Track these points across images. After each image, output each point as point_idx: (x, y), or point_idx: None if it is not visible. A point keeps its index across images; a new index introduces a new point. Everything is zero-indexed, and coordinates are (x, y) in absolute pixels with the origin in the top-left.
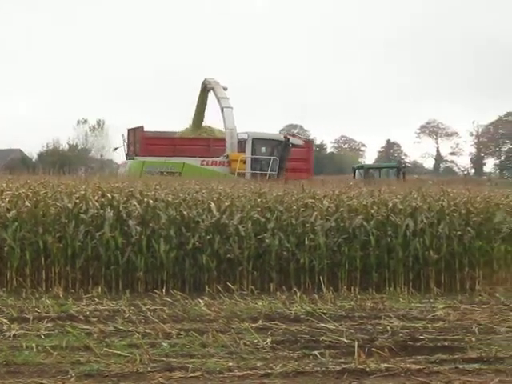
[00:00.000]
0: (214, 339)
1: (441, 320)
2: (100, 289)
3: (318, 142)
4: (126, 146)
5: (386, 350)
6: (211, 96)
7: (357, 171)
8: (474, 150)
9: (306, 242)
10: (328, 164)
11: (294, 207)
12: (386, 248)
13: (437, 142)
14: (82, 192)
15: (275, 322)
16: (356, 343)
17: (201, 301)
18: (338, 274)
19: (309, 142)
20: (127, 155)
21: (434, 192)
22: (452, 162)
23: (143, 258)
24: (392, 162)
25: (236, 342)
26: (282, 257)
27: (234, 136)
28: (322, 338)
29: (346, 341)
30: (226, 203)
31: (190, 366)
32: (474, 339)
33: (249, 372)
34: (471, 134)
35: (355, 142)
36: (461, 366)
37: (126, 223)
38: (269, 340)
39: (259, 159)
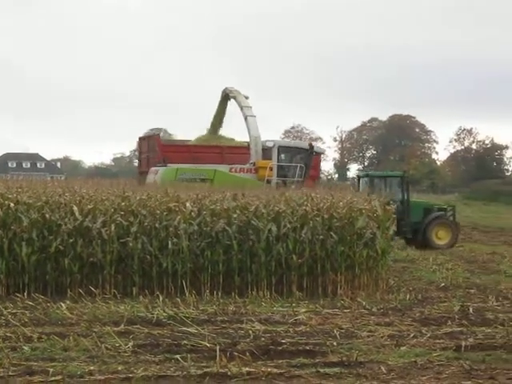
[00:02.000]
0: (75, 343)
1: (303, 324)
2: None
3: None
4: (138, 155)
5: (248, 354)
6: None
7: (361, 180)
8: (337, 156)
9: (169, 246)
10: None
11: (158, 211)
12: (248, 252)
13: None
14: None
15: (137, 326)
16: (218, 347)
17: (63, 304)
18: (200, 278)
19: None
20: (139, 164)
21: (297, 196)
22: None
23: (4, 261)
24: (396, 172)
25: (98, 345)
26: (145, 261)
27: (259, 143)
28: (184, 342)
29: (208, 345)
30: (89, 206)
31: (51, 369)
32: (335, 343)
33: (110, 376)
34: (335, 140)
35: None
36: (322, 370)
37: None
38: (131, 344)
39: (285, 166)
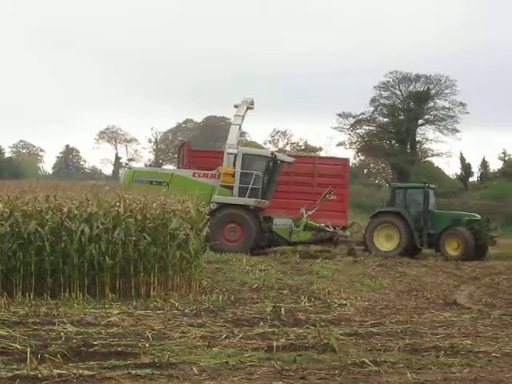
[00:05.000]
0: None
1: (115, 326)
2: None
3: None
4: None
5: (59, 356)
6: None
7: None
8: (152, 157)
9: None
10: (6, 169)
11: None
12: (61, 254)
13: (116, 148)
14: None
15: None
16: (29, 349)
17: None
18: (12, 279)
19: (345, 160)
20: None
21: (110, 198)
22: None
23: None
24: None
25: None
26: None
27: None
28: None
29: (19, 347)
30: None
31: None
32: (147, 345)
33: None
34: (150, 141)
35: (34, 146)
36: (133, 372)
37: None
38: None
39: (247, 173)
